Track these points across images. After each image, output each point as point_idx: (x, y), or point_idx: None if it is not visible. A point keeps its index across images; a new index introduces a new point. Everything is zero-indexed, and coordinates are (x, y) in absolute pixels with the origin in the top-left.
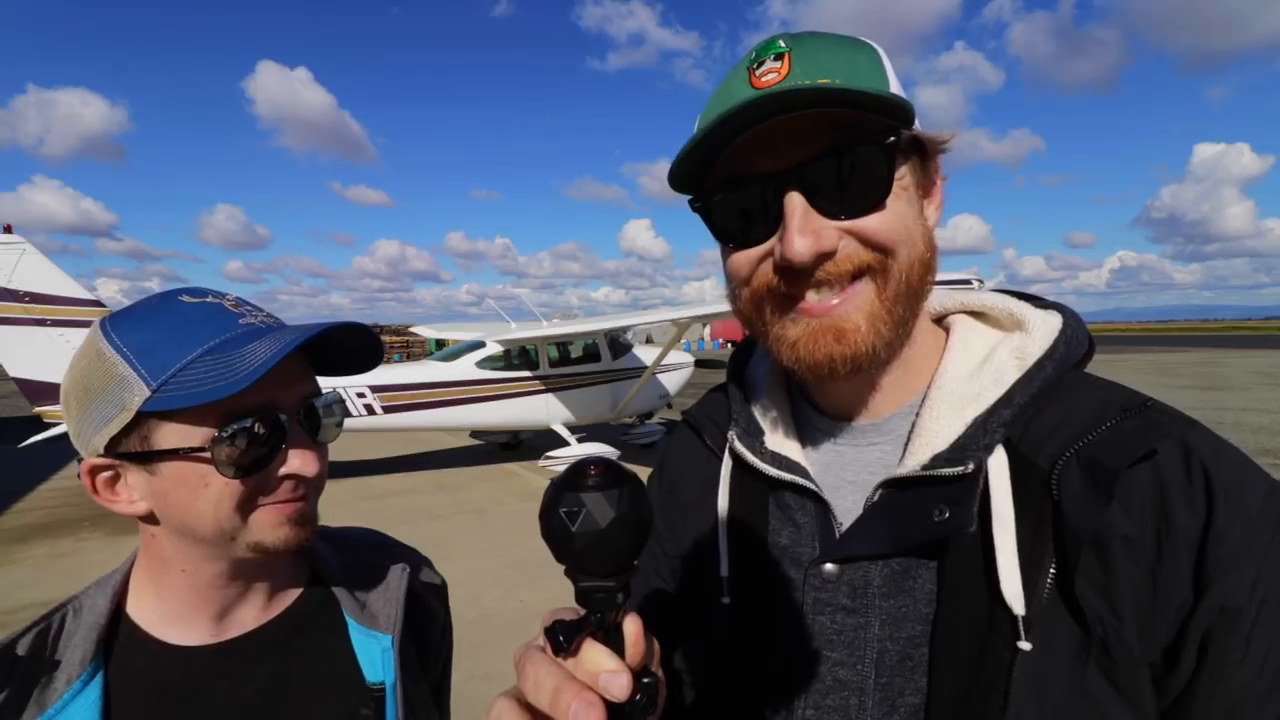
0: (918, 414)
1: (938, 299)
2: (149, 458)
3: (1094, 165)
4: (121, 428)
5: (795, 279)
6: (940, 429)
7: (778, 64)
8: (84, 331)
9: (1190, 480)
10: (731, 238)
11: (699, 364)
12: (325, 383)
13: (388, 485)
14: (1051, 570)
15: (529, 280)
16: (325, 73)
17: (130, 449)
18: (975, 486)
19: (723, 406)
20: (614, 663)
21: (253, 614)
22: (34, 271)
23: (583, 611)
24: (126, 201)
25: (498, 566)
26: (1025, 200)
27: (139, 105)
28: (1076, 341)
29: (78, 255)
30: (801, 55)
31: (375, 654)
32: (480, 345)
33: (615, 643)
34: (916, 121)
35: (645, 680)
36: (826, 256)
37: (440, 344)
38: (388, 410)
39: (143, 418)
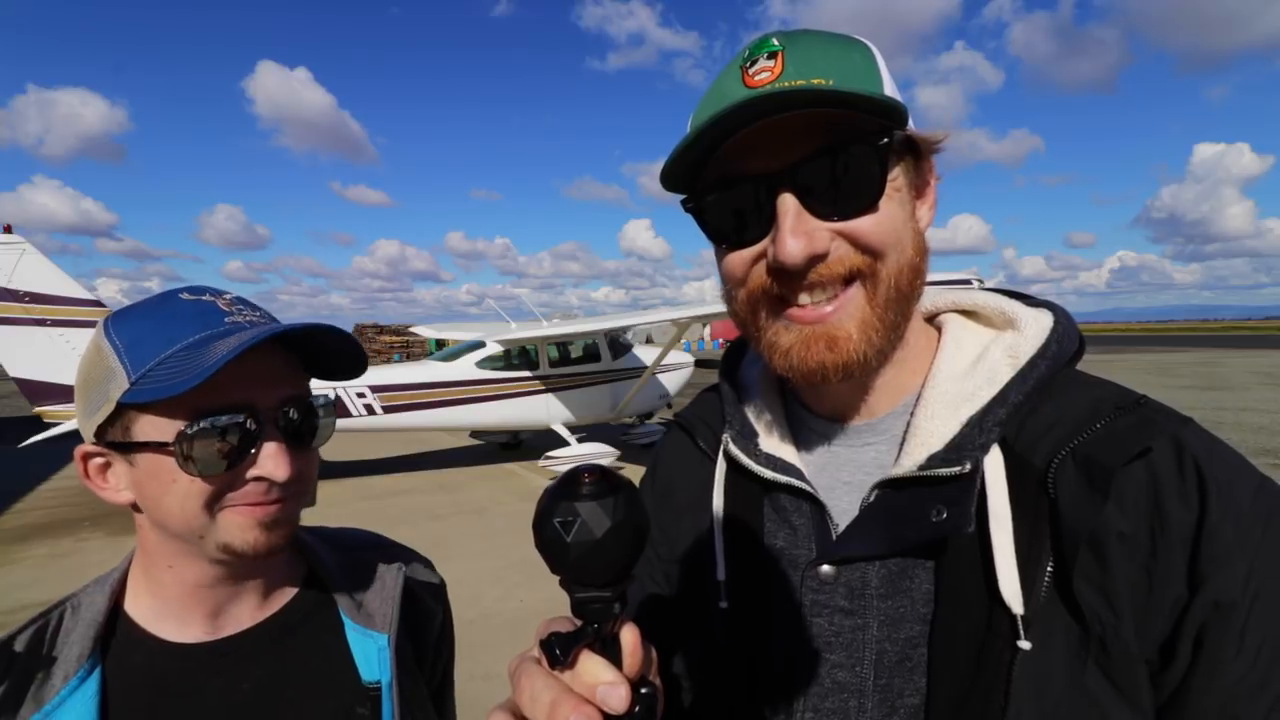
0: (912, 413)
1: (929, 298)
2: (128, 449)
3: (1094, 165)
4: (106, 417)
5: (787, 280)
6: (935, 428)
7: (771, 62)
8: (84, 331)
9: (1183, 477)
10: (724, 238)
11: (699, 364)
12: (325, 384)
13: (387, 485)
14: (1049, 569)
15: (529, 280)
16: (325, 73)
17: (114, 439)
18: (973, 487)
19: (715, 408)
20: (611, 674)
21: (249, 612)
22: (34, 271)
23: (578, 622)
24: (126, 201)
25: (497, 566)
26: (1025, 200)
27: (139, 105)
28: (1068, 339)
29: (78, 255)
30: (795, 54)
31: (371, 653)
32: (480, 345)
33: (612, 653)
34: (911, 121)
35: (643, 690)
36: (819, 258)
37: (440, 344)
38: (388, 410)
39: (123, 409)
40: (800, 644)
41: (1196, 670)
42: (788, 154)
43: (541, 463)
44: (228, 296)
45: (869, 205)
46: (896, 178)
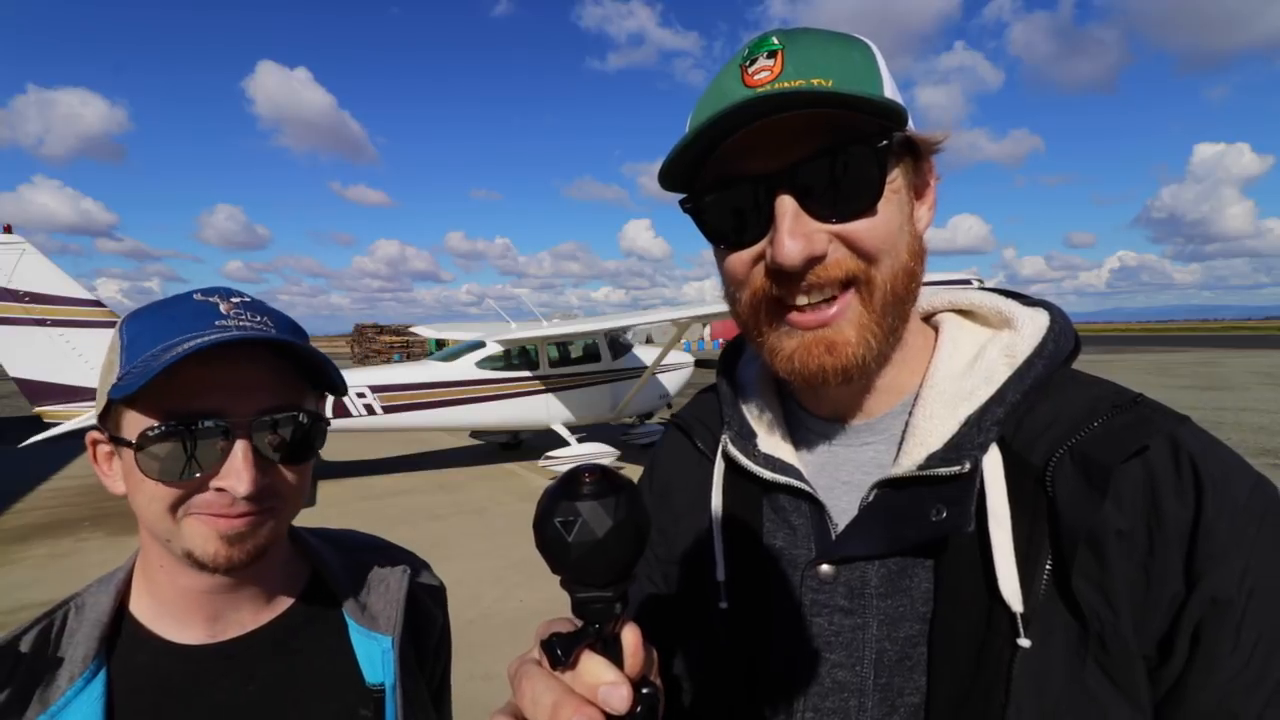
0: (911, 413)
1: (925, 297)
2: (115, 443)
3: (1094, 165)
4: (103, 409)
5: (785, 281)
6: (934, 428)
7: (770, 62)
8: (83, 331)
9: (1180, 475)
10: (723, 239)
11: (699, 364)
12: None
13: (387, 485)
14: (1048, 567)
15: (529, 280)
16: (325, 73)
17: (111, 431)
18: (972, 486)
19: (713, 408)
20: (613, 674)
21: (251, 615)
22: (34, 271)
23: (579, 623)
24: (126, 201)
25: (497, 566)
26: (1025, 200)
27: (139, 105)
28: (1064, 338)
29: (78, 255)
30: (795, 53)
31: (375, 655)
32: (480, 345)
33: (614, 654)
34: (910, 122)
35: (645, 691)
36: (816, 260)
37: (440, 344)
38: (388, 410)
39: (113, 404)
40: (800, 644)
41: (1194, 666)
42: (787, 155)
43: (541, 463)
44: (236, 300)
45: (867, 208)
46: (895, 179)
